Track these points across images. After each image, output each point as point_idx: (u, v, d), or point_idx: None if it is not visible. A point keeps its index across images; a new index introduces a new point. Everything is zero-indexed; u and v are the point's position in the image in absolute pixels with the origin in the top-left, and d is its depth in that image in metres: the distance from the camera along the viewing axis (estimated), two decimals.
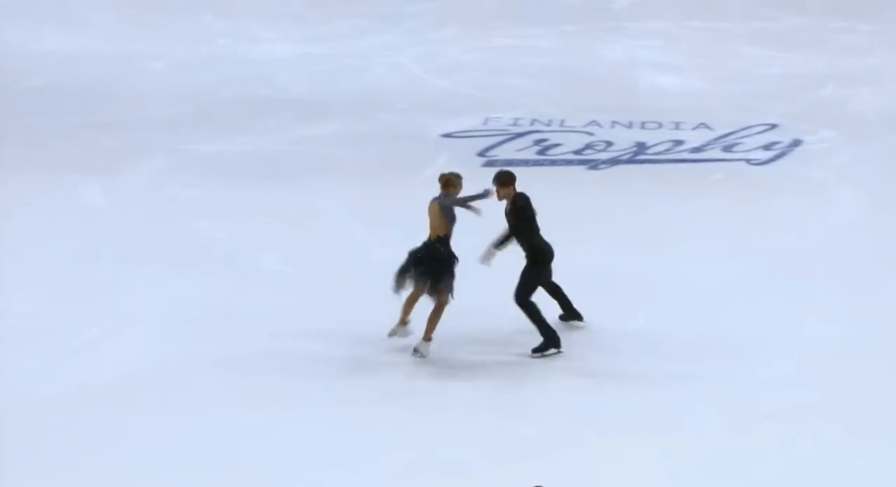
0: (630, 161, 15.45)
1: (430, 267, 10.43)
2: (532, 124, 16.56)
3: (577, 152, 15.69)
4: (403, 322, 10.71)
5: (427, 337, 10.54)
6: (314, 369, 10.37)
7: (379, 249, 12.58)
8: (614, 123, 16.57)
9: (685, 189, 14.62)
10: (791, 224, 13.51)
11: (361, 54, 19.63)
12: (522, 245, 10.66)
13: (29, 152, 15.19)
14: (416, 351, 10.55)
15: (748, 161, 15.42)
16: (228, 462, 9.08)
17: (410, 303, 10.66)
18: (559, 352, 10.54)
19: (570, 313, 11.08)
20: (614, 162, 15.43)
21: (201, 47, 19.84)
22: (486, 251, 10.81)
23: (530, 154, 15.63)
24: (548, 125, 16.57)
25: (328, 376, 10.28)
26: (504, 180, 10.71)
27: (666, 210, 13.85)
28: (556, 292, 10.98)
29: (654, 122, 16.58)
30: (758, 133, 16.19)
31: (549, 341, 10.55)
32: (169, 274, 11.92)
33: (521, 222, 10.57)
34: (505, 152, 15.62)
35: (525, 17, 22.01)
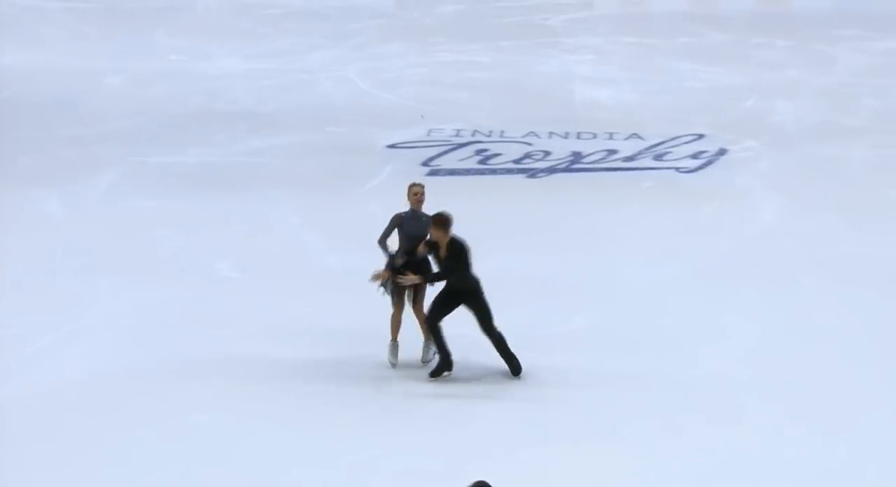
0: (567, 169, 15.48)
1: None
2: (473, 135, 16.56)
3: (517, 161, 15.70)
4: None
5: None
6: (270, 371, 10.26)
7: (329, 256, 12.53)
8: (551, 134, 16.60)
9: (619, 196, 14.67)
10: (718, 228, 13.59)
11: (310, 69, 19.55)
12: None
13: None
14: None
15: (677, 169, 15.50)
16: (190, 464, 8.95)
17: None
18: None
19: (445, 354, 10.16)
20: (552, 170, 15.45)
21: (156, 63, 19.67)
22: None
23: (472, 163, 15.62)
24: (488, 136, 16.57)
25: (283, 377, 10.17)
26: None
27: (601, 216, 13.88)
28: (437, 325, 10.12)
29: (589, 133, 16.64)
30: (686, 143, 16.28)
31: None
32: (127, 282, 11.76)
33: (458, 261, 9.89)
34: (447, 162, 15.60)
35: (466, 34, 22.03)
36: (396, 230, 10.20)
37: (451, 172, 15.34)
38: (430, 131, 16.65)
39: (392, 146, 16.14)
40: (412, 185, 10.40)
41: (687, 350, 10.74)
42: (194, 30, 22.36)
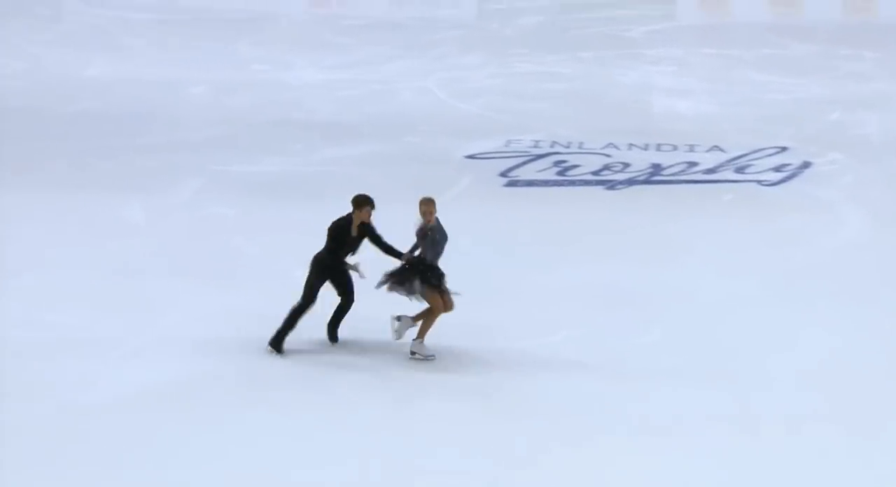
0: (646, 181, 15.44)
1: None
2: (552, 146, 16.58)
3: (596, 173, 15.69)
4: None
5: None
6: (346, 377, 10.35)
7: None
8: (631, 145, 16.57)
9: (699, 208, 14.60)
10: (800, 242, 13.46)
11: (388, 79, 19.74)
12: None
13: (74, 173, 15.31)
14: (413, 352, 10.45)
15: (759, 182, 15.39)
16: (271, 466, 9.07)
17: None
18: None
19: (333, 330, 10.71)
20: (631, 182, 15.41)
21: (238, 73, 20.00)
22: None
23: (550, 175, 15.64)
24: (567, 147, 16.58)
25: (361, 384, 10.26)
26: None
27: (680, 228, 13.83)
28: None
29: (669, 145, 16.58)
30: (768, 155, 16.16)
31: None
32: (207, 288, 11.95)
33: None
34: (526, 173, 15.64)
35: (546, 45, 22.08)
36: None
37: (530, 183, 15.38)
38: (508, 142, 16.71)
39: (470, 157, 16.22)
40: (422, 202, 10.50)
41: (765, 362, 10.66)
42: (276, 40, 22.68)
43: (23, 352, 10.57)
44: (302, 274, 10.72)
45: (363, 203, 10.53)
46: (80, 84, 19.13)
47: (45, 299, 11.60)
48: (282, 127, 17.31)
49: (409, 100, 18.82)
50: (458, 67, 20.72)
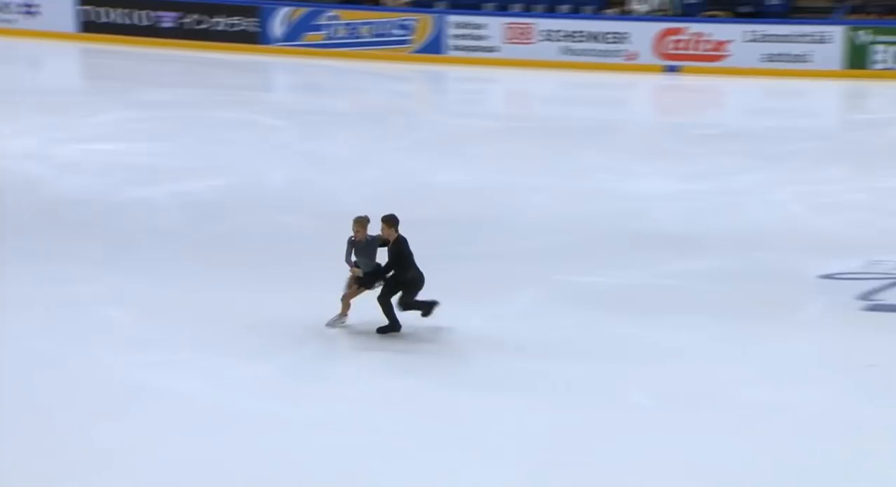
0: None
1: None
2: None
3: None
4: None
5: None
6: None
7: (747, 389, 11.97)
8: None
9: None
10: None
11: (739, 191, 19.16)
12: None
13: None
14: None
15: None
16: None
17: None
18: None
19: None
20: None
21: (582, 181, 20.04)
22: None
23: None
24: None
25: None
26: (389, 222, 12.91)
27: None
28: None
29: None
30: None
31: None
32: (536, 405, 11.80)
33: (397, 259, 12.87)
34: (891, 297, 14.59)
35: None
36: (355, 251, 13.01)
37: (894, 309, 14.33)
38: (871, 262, 15.73)
39: (826, 276, 15.35)
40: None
41: None
42: (623, 149, 22.64)
43: None
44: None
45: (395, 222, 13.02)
46: (428, 190, 19.72)
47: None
48: (625, 237, 17.07)
49: (761, 213, 18.16)
50: (817, 180, 19.89)
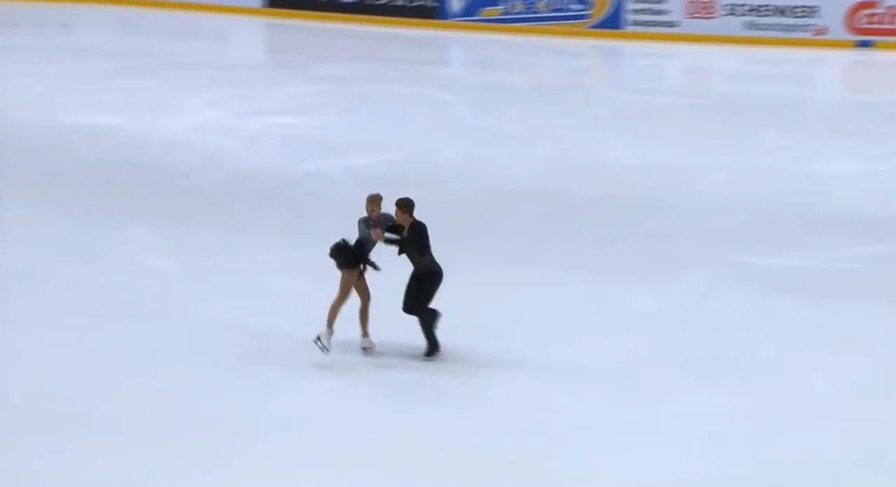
0: None
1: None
2: None
3: None
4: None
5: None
6: None
7: None
8: None
9: None
10: None
11: None
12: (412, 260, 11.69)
13: (582, 258, 15.33)
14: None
15: None
16: None
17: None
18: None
19: None
20: None
21: (762, 161, 19.55)
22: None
23: None
24: None
25: None
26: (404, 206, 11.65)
27: None
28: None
29: None
30: None
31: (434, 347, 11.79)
32: (712, 390, 11.58)
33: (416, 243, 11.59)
34: None
35: None
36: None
37: None
38: None
39: None
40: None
41: None
42: (806, 127, 22.01)
43: None
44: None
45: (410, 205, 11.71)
46: (603, 167, 19.52)
47: None
48: (807, 218, 16.60)
49: None
50: None
